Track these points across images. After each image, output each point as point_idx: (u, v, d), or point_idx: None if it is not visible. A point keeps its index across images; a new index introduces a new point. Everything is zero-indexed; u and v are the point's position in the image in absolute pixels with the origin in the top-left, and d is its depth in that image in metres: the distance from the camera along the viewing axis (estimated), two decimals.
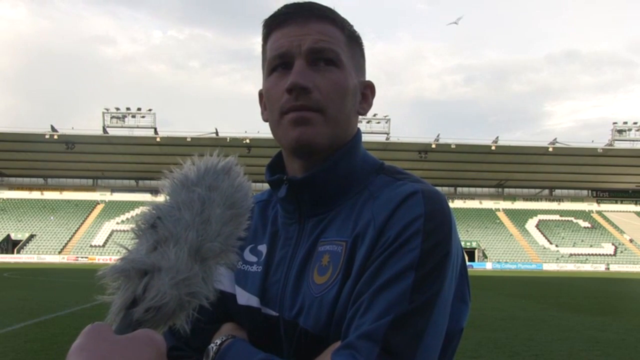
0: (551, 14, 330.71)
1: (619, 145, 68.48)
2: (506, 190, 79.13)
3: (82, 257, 58.80)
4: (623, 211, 76.10)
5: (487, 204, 76.71)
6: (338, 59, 1.00)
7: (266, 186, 1.16)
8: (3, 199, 71.48)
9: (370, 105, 1.10)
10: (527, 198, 78.84)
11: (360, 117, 1.06)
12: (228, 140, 60.24)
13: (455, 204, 73.48)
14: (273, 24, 1.03)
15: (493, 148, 65.32)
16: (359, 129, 1.11)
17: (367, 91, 1.10)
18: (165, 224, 0.74)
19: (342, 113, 1.01)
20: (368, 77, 1.12)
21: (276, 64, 1.01)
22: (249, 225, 1.12)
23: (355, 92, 1.04)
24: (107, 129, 66.74)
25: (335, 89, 0.99)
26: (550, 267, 61.54)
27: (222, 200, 0.78)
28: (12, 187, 74.12)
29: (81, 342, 0.65)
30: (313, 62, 0.99)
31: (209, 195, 0.77)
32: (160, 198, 0.80)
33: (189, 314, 0.74)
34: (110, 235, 63.60)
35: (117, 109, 67.41)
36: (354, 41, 1.06)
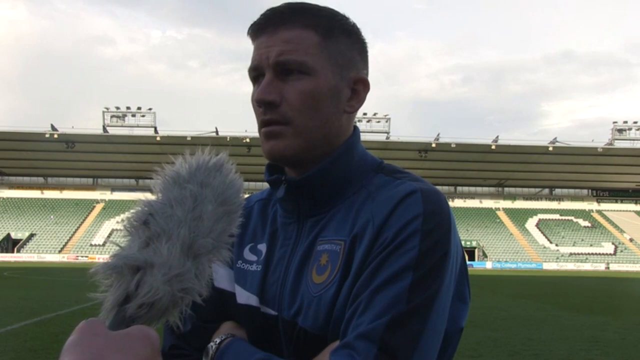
0: (548, 15, 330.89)
1: (619, 144, 68.38)
2: (506, 189, 79.06)
3: (82, 256, 58.76)
4: (623, 210, 76.05)
5: (487, 204, 76.68)
6: (305, 67, 0.97)
7: (266, 185, 1.16)
8: (3, 198, 71.46)
9: (361, 101, 1.05)
10: (527, 197, 78.79)
11: (359, 116, 1.07)
12: (228, 139, 60.13)
13: (455, 204, 73.48)
14: (251, 34, 1.03)
15: (493, 147, 65.26)
16: (356, 127, 1.09)
17: (359, 87, 1.04)
18: (157, 220, 0.74)
19: (315, 120, 0.99)
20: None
21: (253, 76, 1.03)
22: (248, 224, 1.14)
23: (335, 94, 1.01)
24: (107, 128, 66.70)
25: (303, 99, 0.97)
26: (550, 266, 61.55)
27: (214, 197, 0.77)
28: (12, 186, 74.10)
29: (75, 338, 0.65)
30: (280, 73, 0.98)
31: (201, 192, 0.77)
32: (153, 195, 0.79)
33: (182, 310, 0.74)
34: (110, 234, 63.45)
35: (117, 108, 67.33)
36: (333, 37, 1.01)
